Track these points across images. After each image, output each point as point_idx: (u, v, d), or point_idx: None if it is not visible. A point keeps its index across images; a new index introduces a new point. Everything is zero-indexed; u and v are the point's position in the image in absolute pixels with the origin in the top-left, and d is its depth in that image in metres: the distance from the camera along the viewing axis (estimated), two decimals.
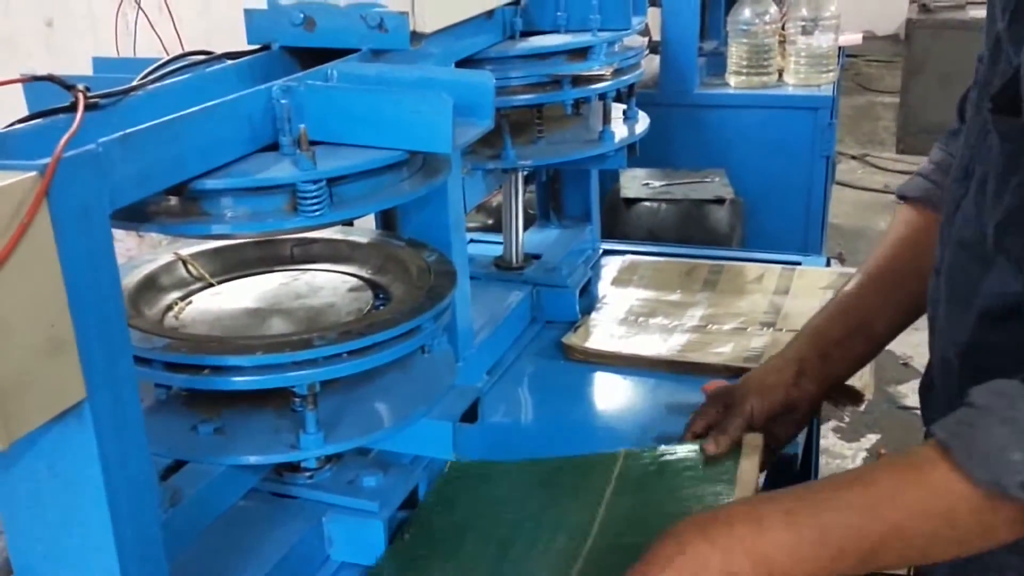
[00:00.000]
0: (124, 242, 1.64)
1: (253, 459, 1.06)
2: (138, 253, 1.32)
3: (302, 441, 1.06)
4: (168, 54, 1.15)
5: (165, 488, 1.05)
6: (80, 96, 0.89)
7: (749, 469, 1.21)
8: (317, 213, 0.98)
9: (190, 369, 1.02)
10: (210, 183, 0.95)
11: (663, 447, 1.32)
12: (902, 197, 1.38)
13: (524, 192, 1.86)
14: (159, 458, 1.06)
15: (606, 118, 1.68)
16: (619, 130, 1.71)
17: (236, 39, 1.23)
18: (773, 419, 1.33)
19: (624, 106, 1.77)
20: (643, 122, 1.77)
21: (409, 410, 1.14)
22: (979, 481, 0.86)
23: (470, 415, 1.22)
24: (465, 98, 1.05)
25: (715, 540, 0.92)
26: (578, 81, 1.58)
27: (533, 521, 1.21)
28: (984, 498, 0.86)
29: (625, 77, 1.65)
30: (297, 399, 1.07)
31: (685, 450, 1.30)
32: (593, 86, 1.59)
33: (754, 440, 1.26)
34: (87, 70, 1.14)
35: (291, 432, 1.08)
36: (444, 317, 1.18)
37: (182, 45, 1.91)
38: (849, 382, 1.56)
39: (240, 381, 1.02)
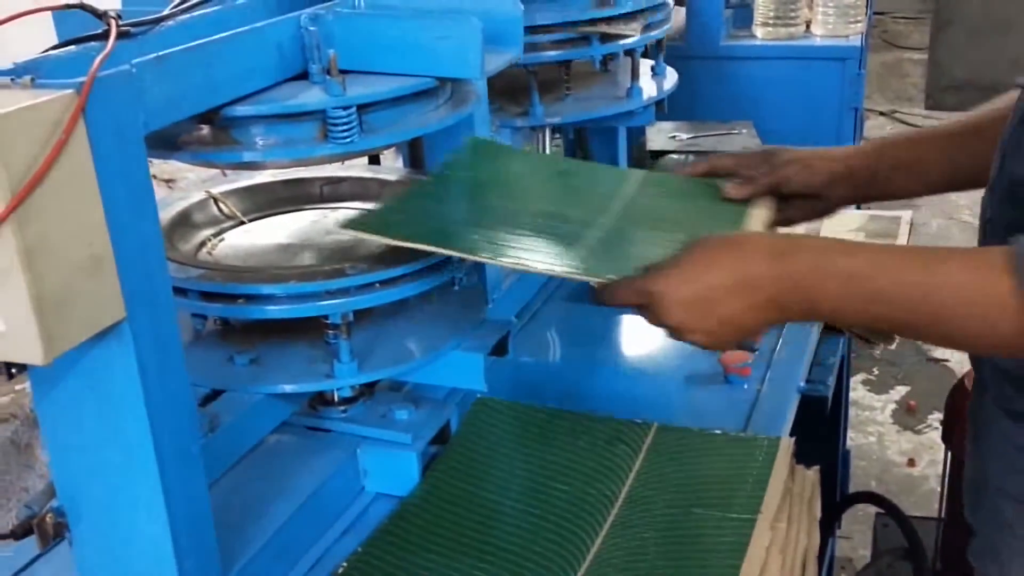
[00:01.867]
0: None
1: (288, 388, 1.08)
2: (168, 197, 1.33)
3: (336, 370, 1.07)
4: None
5: (203, 414, 1.06)
6: (112, 23, 0.89)
7: (779, 471, 1.17)
8: (347, 140, 0.98)
9: (225, 298, 1.03)
10: (241, 109, 0.95)
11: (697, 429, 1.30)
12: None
13: (551, 145, 1.86)
14: (197, 387, 1.08)
15: (634, 74, 1.67)
16: (647, 86, 1.71)
17: None
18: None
19: (652, 62, 1.76)
20: (671, 78, 1.76)
21: (440, 342, 1.15)
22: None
23: (500, 348, 1.22)
24: (493, 26, 1.05)
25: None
26: (606, 37, 1.57)
27: (564, 468, 1.21)
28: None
29: (653, 32, 1.64)
30: (330, 330, 1.08)
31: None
32: (621, 42, 1.58)
33: (787, 443, 1.23)
34: (113, 4, 1.15)
35: (325, 362, 1.09)
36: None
37: None
38: None
39: (274, 310, 1.03)
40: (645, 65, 1.74)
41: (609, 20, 1.57)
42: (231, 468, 1.18)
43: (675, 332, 1.00)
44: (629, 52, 1.62)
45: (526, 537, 1.10)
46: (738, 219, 1.18)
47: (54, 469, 0.91)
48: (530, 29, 1.51)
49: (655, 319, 1.00)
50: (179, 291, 1.03)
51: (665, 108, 1.77)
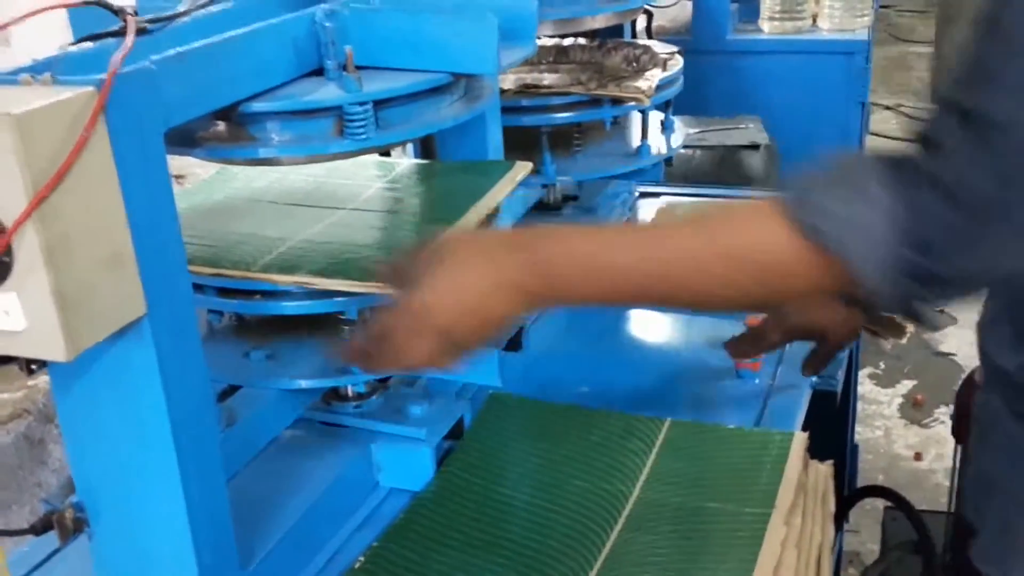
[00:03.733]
0: None
1: (305, 383, 1.08)
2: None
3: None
4: None
5: (221, 409, 1.07)
6: (130, 19, 0.89)
7: (793, 465, 1.18)
8: (363, 136, 0.99)
9: (243, 294, 1.03)
10: (257, 106, 0.96)
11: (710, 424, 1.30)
12: None
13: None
14: (214, 383, 1.08)
15: (644, 133, 1.70)
16: (656, 142, 1.73)
17: None
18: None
19: (661, 115, 1.78)
20: (680, 133, 1.79)
21: None
22: (795, 221, 0.82)
23: (515, 343, 1.23)
24: (508, 21, 1.05)
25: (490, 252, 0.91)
26: (618, 101, 1.60)
27: (578, 464, 1.21)
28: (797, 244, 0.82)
29: (663, 93, 1.66)
30: (347, 326, 1.09)
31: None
32: (632, 104, 1.60)
33: (801, 437, 1.23)
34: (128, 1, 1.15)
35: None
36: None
37: None
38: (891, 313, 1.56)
39: (291, 306, 1.04)
40: (654, 118, 1.77)
41: (619, 81, 1.59)
42: (247, 463, 1.19)
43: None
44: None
45: (541, 533, 1.11)
46: (784, 446, 1.22)
47: (73, 464, 0.92)
48: (543, 93, 1.58)
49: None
50: (196, 287, 1.04)
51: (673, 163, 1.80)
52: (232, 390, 1.13)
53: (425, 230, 1.11)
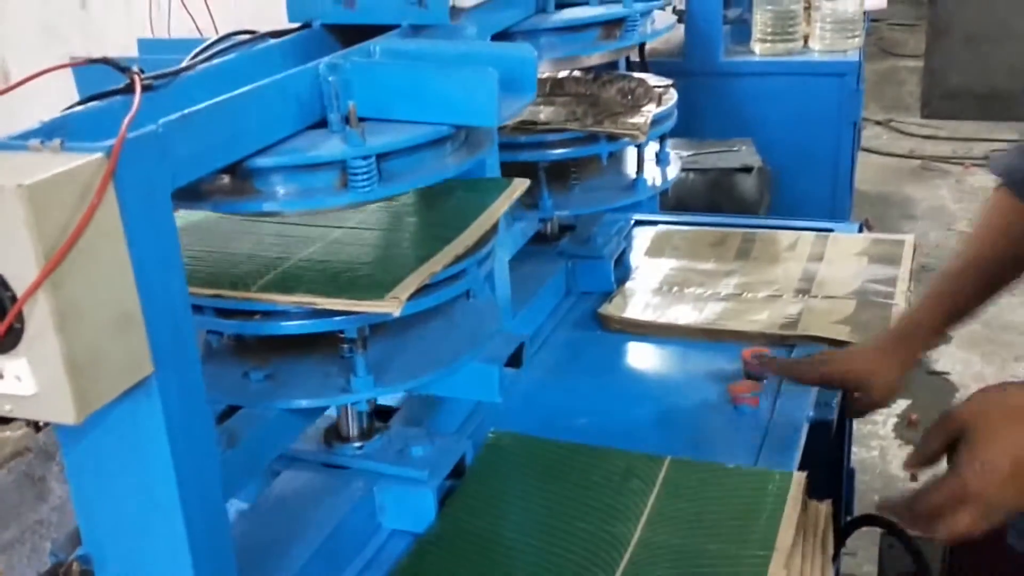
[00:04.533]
0: None
1: (305, 403, 1.08)
2: None
3: (353, 384, 1.08)
4: (201, 34, 1.16)
5: (222, 431, 1.07)
6: (136, 78, 0.90)
7: (792, 507, 1.19)
8: (367, 189, 1.00)
9: (241, 315, 1.04)
10: (262, 161, 0.97)
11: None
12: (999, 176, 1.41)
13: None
14: (213, 404, 1.07)
15: (639, 167, 1.72)
16: (651, 174, 1.75)
17: (268, 17, 1.25)
18: None
19: (656, 146, 1.80)
20: (675, 165, 1.81)
21: (456, 354, 1.16)
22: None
23: (516, 359, 1.23)
24: (508, 72, 1.06)
25: None
26: (613, 137, 1.63)
27: (580, 504, 1.22)
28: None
29: (658, 127, 1.68)
30: (346, 345, 1.09)
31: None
32: (627, 139, 1.62)
33: (800, 477, 1.24)
34: (122, 52, 1.16)
35: (341, 376, 1.10)
36: (487, 264, 1.20)
37: (215, 24, 1.93)
38: None
39: (290, 325, 1.04)
40: (650, 151, 1.79)
41: (615, 117, 1.61)
42: (251, 507, 1.20)
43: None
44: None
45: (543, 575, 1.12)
46: (783, 487, 1.24)
47: (80, 517, 0.92)
48: (540, 130, 1.61)
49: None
50: (194, 308, 1.02)
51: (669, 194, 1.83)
52: (232, 411, 1.12)
53: (424, 247, 1.11)
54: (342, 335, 1.09)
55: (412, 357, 1.16)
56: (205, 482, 0.90)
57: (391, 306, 0.99)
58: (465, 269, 1.13)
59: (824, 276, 1.82)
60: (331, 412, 1.28)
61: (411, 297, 1.02)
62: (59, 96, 0.99)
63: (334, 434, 1.27)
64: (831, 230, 2.04)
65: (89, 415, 0.78)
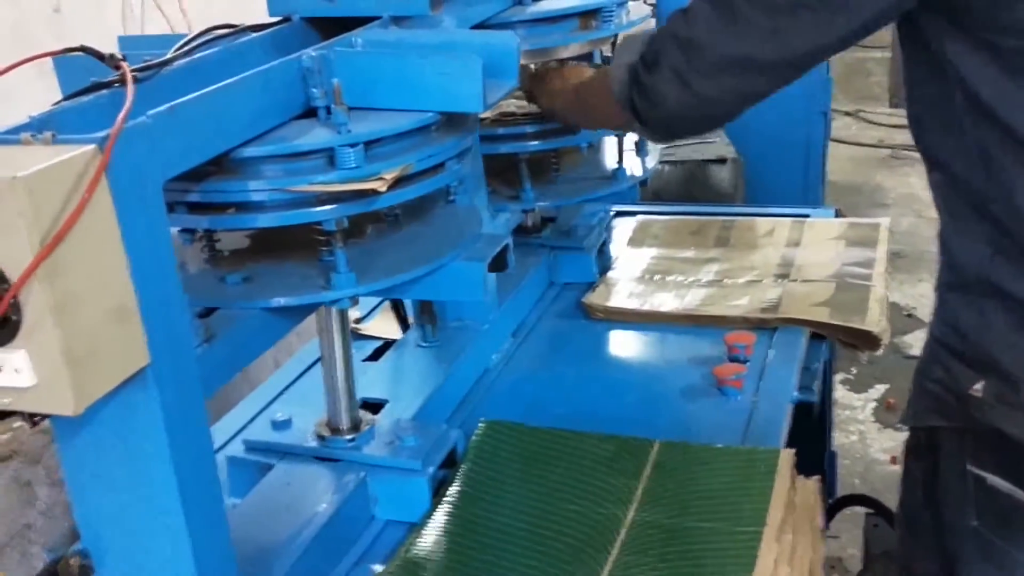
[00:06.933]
0: None
1: (283, 300, 1.05)
2: None
3: (334, 281, 1.05)
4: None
5: (198, 325, 1.05)
6: (127, 70, 0.90)
7: (781, 483, 1.20)
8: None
9: (215, 208, 1.01)
10: (251, 151, 0.97)
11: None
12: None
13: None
14: (191, 306, 1.04)
15: (620, 157, 1.74)
16: (631, 164, 1.76)
17: (241, 18, 1.25)
18: None
19: (636, 137, 1.81)
20: (654, 155, 1.82)
21: (439, 253, 1.14)
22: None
23: (499, 262, 1.22)
24: (491, 59, 1.07)
25: None
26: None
27: (572, 488, 1.23)
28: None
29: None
30: (324, 248, 1.07)
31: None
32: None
33: (788, 454, 1.26)
34: (108, 44, 1.16)
35: (321, 277, 1.08)
36: (466, 159, 1.18)
37: (189, 26, 1.92)
38: (867, 328, 1.60)
39: (266, 218, 1.02)
40: (629, 140, 1.80)
41: None
42: (245, 501, 1.20)
43: None
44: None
45: (540, 560, 1.12)
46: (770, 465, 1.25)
47: (77, 511, 0.92)
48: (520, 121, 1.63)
49: None
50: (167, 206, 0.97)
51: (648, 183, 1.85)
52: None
53: None
54: (321, 239, 1.05)
55: (394, 257, 1.13)
56: (202, 472, 0.91)
57: (377, 184, 0.98)
58: (444, 163, 1.11)
59: (802, 260, 1.84)
60: (322, 409, 1.29)
61: (392, 187, 1.00)
62: (33, 102, 0.97)
63: (327, 427, 1.27)
64: (808, 215, 2.07)
65: (87, 406, 0.78)
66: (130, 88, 0.83)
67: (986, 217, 1.12)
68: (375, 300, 1.74)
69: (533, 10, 1.58)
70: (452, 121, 1.13)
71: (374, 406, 1.37)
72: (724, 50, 1.15)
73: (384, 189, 0.98)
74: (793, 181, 3.41)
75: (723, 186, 3.01)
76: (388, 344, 1.63)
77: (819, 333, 1.63)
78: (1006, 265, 1.11)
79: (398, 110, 1.06)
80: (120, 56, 0.95)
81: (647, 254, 1.93)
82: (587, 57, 1.75)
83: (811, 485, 1.24)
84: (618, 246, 1.98)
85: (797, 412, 1.48)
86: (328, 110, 1.01)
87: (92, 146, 0.76)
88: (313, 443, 1.26)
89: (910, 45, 1.17)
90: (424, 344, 1.54)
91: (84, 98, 0.91)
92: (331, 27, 1.21)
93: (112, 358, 0.80)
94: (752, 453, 1.27)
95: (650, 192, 2.85)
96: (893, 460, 2.98)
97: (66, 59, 1.06)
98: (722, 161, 2.97)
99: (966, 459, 1.19)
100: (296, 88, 1.04)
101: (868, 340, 1.61)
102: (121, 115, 0.76)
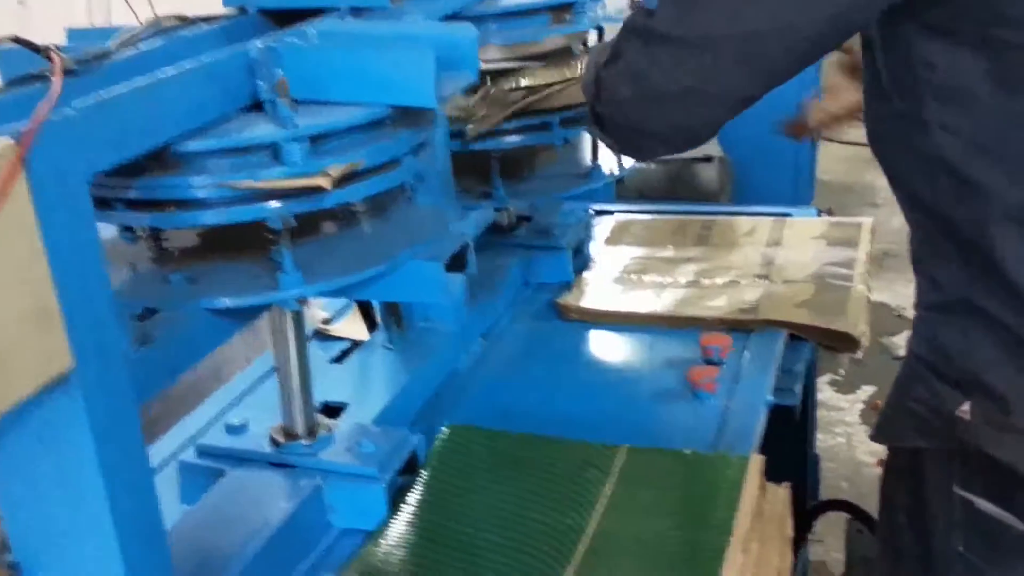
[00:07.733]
0: None
1: (228, 301, 1.00)
2: None
3: (281, 281, 1.00)
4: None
5: (134, 328, 1.01)
6: (56, 59, 0.86)
7: (749, 490, 1.17)
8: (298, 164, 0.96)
9: (155, 206, 0.96)
10: (192, 145, 0.93)
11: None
12: None
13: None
14: (131, 307, 1.02)
15: (595, 155, 1.70)
16: (607, 162, 1.72)
17: (214, 11, 1.21)
18: None
19: None
20: None
21: (391, 252, 1.08)
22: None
23: (459, 261, 1.17)
24: (448, 52, 1.03)
25: None
26: (567, 122, 1.59)
27: (536, 496, 1.19)
28: None
29: None
30: (273, 246, 1.01)
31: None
32: (582, 125, 1.57)
33: (757, 460, 1.22)
34: (56, 38, 1.12)
35: (269, 276, 1.03)
36: (423, 154, 1.12)
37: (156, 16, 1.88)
38: (845, 329, 1.56)
39: (210, 214, 0.97)
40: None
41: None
42: (195, 508, 1.16)
43: None
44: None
45: (501, 570, 1.09)
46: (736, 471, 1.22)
47: (8, 523, 0.89)
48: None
49: None
50: (102, 202, 0.96)
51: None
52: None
53: None
54: (269, 236, 1.00)
55: (346, 257, 1.08)
56: (135, 480, 0.87)
57: (322, 180, 0.93)
58: (399, 159, 1.06)
59: (783, 260, 1.81)
60: (278, 413, 1.25)
61: (340, 184, 0.96)
62: None
63: (282, 432, 1.23)
64: (789, 214, 2.03)
65: (7, 411, 0.74)
66: (56, 80, 0.79)
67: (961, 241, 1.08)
68: (343, 301, 1.70)
69: (505, 3, 1.54)
70: (409, 116, 1.09)
71: (333, 411, 1.33)
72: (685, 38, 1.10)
73: (329, 186, 0.93)
74: (782, 180, 3.38)
75: (709, 185, 2.99)
76: (356, 345, 1.59)
77: (797, 334, 1.60)
78: (987, 287, 1.07)
79: (350, 104, 1.02)
80: (56, 48, 0.92)
81: (625, 253, 1.89)
82: (565, 52, 1.71)
83: (781, 493, 1.20)
84: (596, 245, 1.94)
85: (778, 415, 1.45)
86: (274, 104, 0.97)
87: (8, 140, 0.72)
88: (268, 448, 1.22)
89: (884, 55, 1.11)
90: (389, 346, 1.51)
91: (12, 91, 0.87)
92: (286, 19, 1.17)
93: (32, 361, 0.76)
94: (721, 459, 1.23)
95: (634, 191, 2.82)
96: (880, 463, 2.94)
97: (10, 52, 1.02)
98: (708, 160, 2.94)
99: (953, 482, 1.14)
100: (242, 81, 1.00)
101: (847, 342, 1.58)
102: (40, 107, 0.72)
